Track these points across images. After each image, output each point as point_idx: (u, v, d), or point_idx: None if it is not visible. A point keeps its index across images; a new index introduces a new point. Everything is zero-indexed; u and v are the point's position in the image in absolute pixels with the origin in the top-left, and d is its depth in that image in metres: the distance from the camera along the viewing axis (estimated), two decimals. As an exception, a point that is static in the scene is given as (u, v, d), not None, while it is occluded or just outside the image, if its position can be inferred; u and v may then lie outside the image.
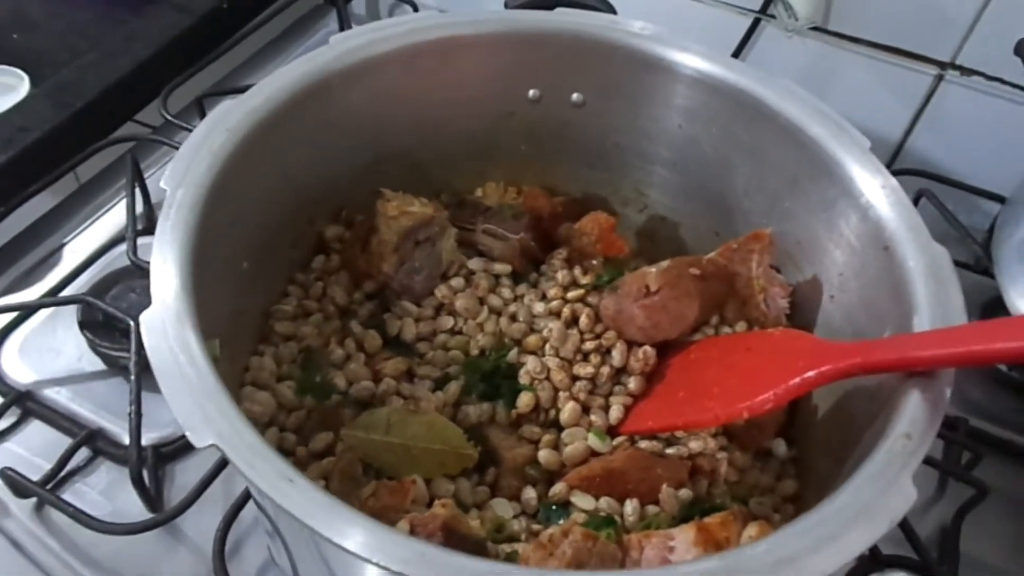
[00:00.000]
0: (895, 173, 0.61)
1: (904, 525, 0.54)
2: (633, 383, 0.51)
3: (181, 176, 0.43)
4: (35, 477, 0.55)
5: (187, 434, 0.33)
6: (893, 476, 0.35)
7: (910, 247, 0.44)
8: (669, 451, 0.49)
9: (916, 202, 0.71)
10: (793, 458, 0.52)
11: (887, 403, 0.41)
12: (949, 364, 0.38)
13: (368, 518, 0.32)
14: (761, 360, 0.47)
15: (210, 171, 0.44)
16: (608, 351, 0.52)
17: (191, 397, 0.34)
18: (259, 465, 0.32)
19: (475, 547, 0.41)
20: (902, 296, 0.43)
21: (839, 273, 0.50)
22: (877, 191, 0.47)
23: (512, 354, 0.52)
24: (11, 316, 0.65)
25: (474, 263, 0.57)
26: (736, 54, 0.79)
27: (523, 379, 0.51)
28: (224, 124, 0.45)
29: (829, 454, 0.49)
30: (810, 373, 0.42)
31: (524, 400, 0.50)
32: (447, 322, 0.54)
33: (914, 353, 0.39)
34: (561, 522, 0.45)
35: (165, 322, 0.37)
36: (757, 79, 0.52)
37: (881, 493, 0.34)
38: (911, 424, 0.37)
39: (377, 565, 0.30)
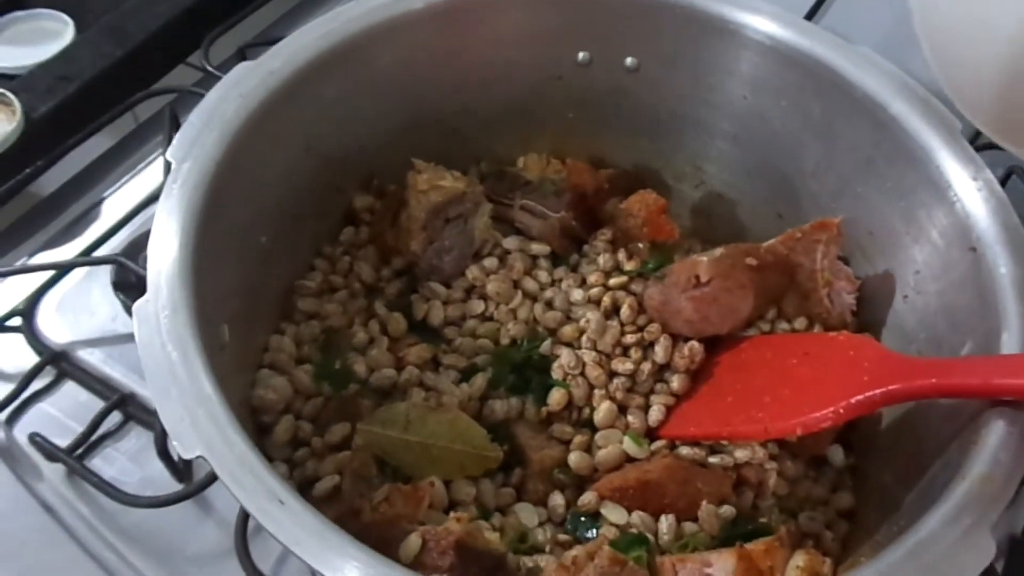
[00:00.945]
0: (982, 147, 0.54)
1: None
2: (677, 382, 0.47)
3: (188, 147, 0.39)
4: (67, 439, 0.55)
5: (174, 443, 0.31)
6: (969, 527, 0.31)
7: (1003, 251, 0.39)
8: (712, 460, 0.45)
9: (1004, 182, 0.64)
10: (851, 467, 0.48)
11: (965, 429, 0.36)
12: (1045, 398, 0.33)
13: (362, 548, 0.29)
14: (820, 368, 0.42)
15: (221, 142, 0.40)
16: (651, 345, 0.48)
17: (180, 401, 0.32)
18: (248, 483, 0.30)
19: (493, 563, 0.38)
20: (990, 307, 0.38)
21: (916, 271, 0.45)
22: (967, 182, 0.41)
23: (546, 345, 0.49)
24: (48, 274, 0.64)
25: (509, 242, 0.53)
26: (813, 11, 0.72)
27: (556, 373, 0.47)
28: (237, 90, 0.42)
29: (893, 469, 0.44)
30: (876, 392, 0.37)
31: (556, 397, 0.46)
32: (477, 306, 0.51)
33: (1001, 380, 0.34)
34: (590, 534, 0.42)
35: (159, 314, 0.34)
36: (834, 47, 0.47)
37: (953, 548, 0.30)
38: (993, 464, 0.32)
39: (370, 603, 0.27)
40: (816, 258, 0.48)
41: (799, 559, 0.38)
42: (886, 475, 0.45)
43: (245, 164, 0.43)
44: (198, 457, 0.31)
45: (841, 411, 0.38)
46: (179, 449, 0.31)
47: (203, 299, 0.37)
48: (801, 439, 0.46)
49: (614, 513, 0.42)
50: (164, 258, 0.37)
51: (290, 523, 0.29)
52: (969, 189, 0.41)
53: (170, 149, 0.40)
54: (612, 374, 0.47)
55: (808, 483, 0.47)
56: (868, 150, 0.47)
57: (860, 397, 0.38)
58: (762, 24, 0.49)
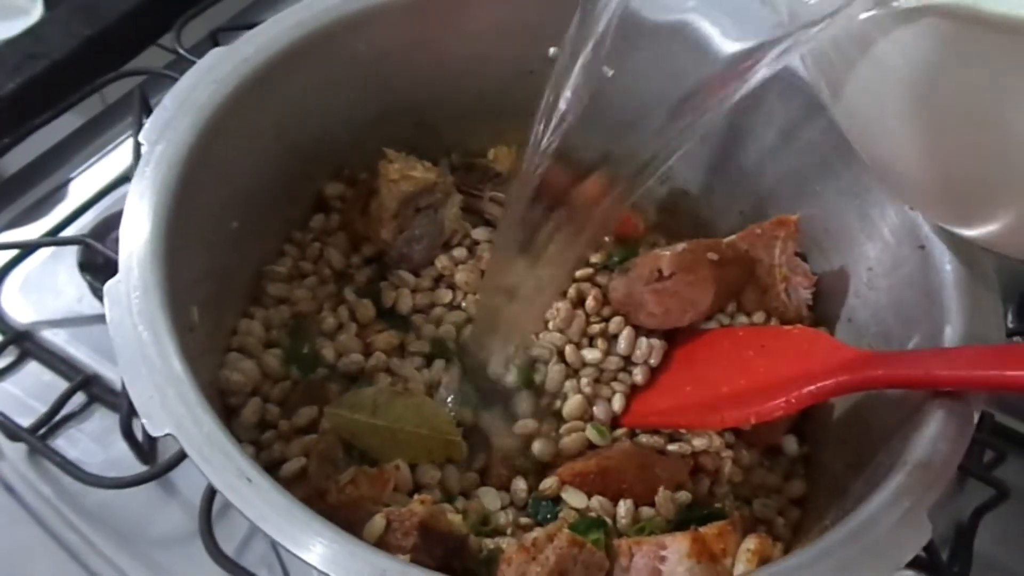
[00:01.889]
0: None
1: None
2: (639, 374, 0.48)
3: (161, 131, 0.40)
4: (30, 419, 0.54)
5: (143, 421, 0.31)
6: (907, 509, 0.32)
7: (948, 248, 0.40)
8: (671, 447, 0.46)
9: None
10: (804, 456, 0.50)
11: (910, 418, 0.38)
12: (981, 388, 0.35)
13: (329, 525, 0.30)
14: (775, 360, 0.44)
15: (193, 127, 0.41)
16: (614, 337, 0.49)
17: (150, 380, 0.32)
18: (216, 460, 0.30)
19: (455, 544, 0.39)
20: (935, 302, 0.40)
21: (868, 268, 0.46)
22: (917, 183, 0.43)
23: (512, 335, 0.49)
24: (12, 253, 0.64)
25: (479, 232, 0.54)
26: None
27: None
28: (212, 75, 0.42)
29: (843, 457, 0.46)
30: (826, 382, 0.39)
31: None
32: (445, 295, 0.51)
33: (941, 372, 0.35)
34: (550, 518, 0.43)
35: (130, 294, 0.35)
36: (796, 50, 0.48)
37: (891, 529, 0.32)
38: (932, 451, 0.34)
39: (335, 578, 0.28)
40: (774, 254, 0.49)
41: (750, 543, 0.39)
42: (837, 464, 0.47)
43: (217, 149, 0.43)
44: (167, 435, 0.31)
45: (793, 401, 0.40)
46: (148, 427, 0.31)
47: (174, 281, 0.37)
48: (757, 429, 0.48)
49: (574, 498, 0.43)
50: (135, 239, 0.37)
51: (258, 500, 0.30)
52: (919, 189, 0.43)
53: (142, 132, 0.40)
54: (582, 363, 0.48)
55: (762, 471, 0.49)
56: (826, 151, 0.48)
57: (811, 388, 0.40)
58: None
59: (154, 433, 0.31)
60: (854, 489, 0.41)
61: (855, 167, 0.46)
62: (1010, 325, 0.62)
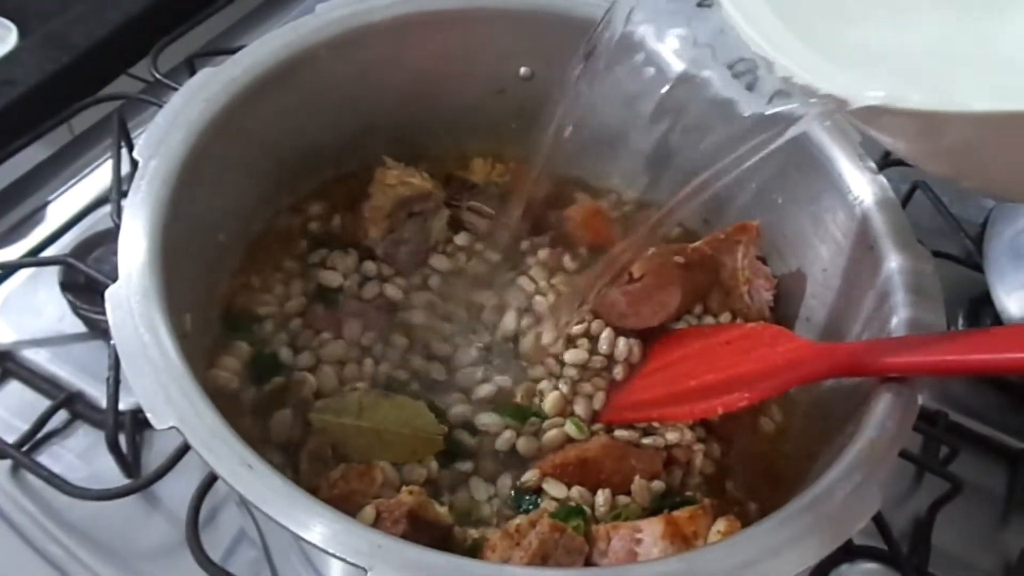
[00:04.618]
0: (891, 163, 0.60)
1: (877, 517, 0.54)
2: (619, 371, 0.51)
3: (155, 147, 0.42)
4: (12, 438, 0.55)
5: (148, 415, 0.33)
6: (859, 482, 0.35)
7: (893, 247, 0.44)
8: (645, 441, 0.48)
9: (911, 194, 0.70)
10: (771, 449, 0.52)
11: (862, 404, 0.41)
12: (923, 373, 0.38)
13: (327, 507, 0.32)
14: (739, 355, 0.46)
15: (185, 143, 0.43)
16: (595, 338, 0.51)
17: (153, 377, 0.34)
18: (219, 449, 0.32)
19: (442, 533, 0.41)
20: (883, 297, 0.43)
21: (823, 268, 0.50)
22: (864, 187, 0.46)
23: (492, 341, 0.52)
24: (-10, 275, 0.64)
25: (460, 239, 0.56)
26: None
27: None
28: (202, 94, 0.45)
29: (806, 448, 0.49)
30: (787, 374, 0.42)
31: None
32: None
33: (889, 359, 0.38)
34: (532, 508, 0.45)
35: (131, 299, 0.36)
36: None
37: (845, 499, 0.34)
38: (881, 429, 0.37)
39: (334, 556, 0.30)
40: (737, 257, 0.52)
41: (720, 524, 0.41)
42: (801, 454, 0.49)
43: (207, 165, 0.45)
44: (170, 428, 0.33)
45: (756, 391, 0.42)
46: (153, 421, 0.33)
47: (169, 289, 0.39)
48: (725, 424, 0.51)
49: (555, 488, 0.45)
50: (134, 248, 0.39)
51: (259, 485, 0.32)
52: (867, 193, 0.46)
53: (137, 148, 0.42)
54: (562, 364, 0.51)
55: (733, 463, 0.51)
56: (782, 160, 0.51)
57: (773, 380, 0.42)
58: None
59: (159, 426, 0.33)
60: (815, 471, 0.43)
61: (808, 174, 0.50)
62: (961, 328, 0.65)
